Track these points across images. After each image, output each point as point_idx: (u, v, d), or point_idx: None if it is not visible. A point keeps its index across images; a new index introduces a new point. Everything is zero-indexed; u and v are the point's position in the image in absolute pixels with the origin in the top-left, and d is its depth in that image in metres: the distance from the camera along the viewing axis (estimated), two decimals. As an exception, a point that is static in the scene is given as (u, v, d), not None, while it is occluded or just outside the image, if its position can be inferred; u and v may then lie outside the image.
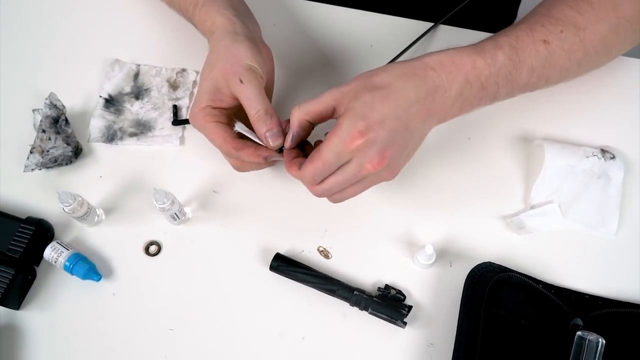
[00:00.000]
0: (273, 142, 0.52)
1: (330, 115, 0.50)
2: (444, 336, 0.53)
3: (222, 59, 0.53)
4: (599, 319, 0.52)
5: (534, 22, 0.55)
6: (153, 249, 0.59)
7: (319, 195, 0.51)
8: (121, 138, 0.65)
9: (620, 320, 0.52)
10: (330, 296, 0.55)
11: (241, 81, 0.51)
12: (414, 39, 0.68)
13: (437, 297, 0.55)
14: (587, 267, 0.56)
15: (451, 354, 0.51)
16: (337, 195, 0.51)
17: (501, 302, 0.51)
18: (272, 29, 0.69)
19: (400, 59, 0.66)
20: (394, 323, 0.52)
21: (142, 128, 0.66)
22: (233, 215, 0.60)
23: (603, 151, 0.60)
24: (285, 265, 0.55)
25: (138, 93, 0.68)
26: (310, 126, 0.51)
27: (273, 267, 0.55)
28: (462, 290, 0.54)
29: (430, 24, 0.70)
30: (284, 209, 0.60)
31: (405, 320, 0.52)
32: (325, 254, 0.58)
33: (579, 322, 0.52)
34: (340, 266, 0.57)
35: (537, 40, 0.53)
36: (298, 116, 0.50)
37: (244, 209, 0.60)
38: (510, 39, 0.53)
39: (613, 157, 0.60)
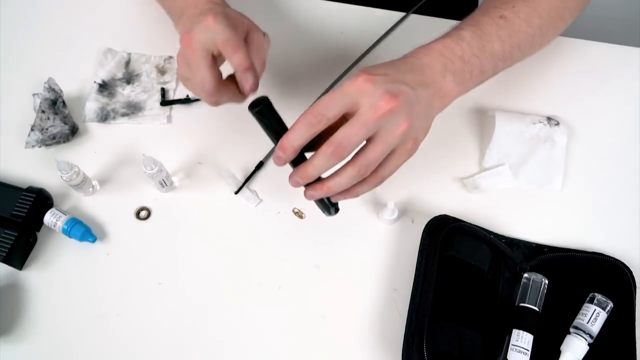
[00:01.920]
0: (281, 162, 0.50)
1: None
2: (406, 282, 0.59)
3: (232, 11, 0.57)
4: (543, 263, 0.58)
5: (487, 6, 0.61)
6: (143, 214, 0.65)
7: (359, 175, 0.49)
8: (114, 118, 0.71)
9: (562, 263, 0.58)
10: (303, 250, 0.61)
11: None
12: (387, 29, 0.75)
13: (400, 249, 0.61)
14: (535, 220, 0.63)
15: (409, 295, 0.57)
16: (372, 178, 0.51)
17: (454, 246, 0.57)
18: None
19: (376, 47, 0.73)
20: (328, 210, 0.55)
21: (133, 109, 0.72)
22: (215, 183, 0.66)
23: (549, 119, 0.67)
24: (267, 113, 0.49)
25: (129, 78, 0.74)
26: None
27: (255, 109, 0.49)
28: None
29: (399, 14, 0.77)
30: (261, 177, 0.67)
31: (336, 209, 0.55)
32: (299, 214, 0.64)
33: (526, 266, 0.58)
34: (313, 225, 0.63)
35: (494, 17, 0.59)
36: None
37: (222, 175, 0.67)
38: (468, 20, 0.59)
39: (557, 124, 0.66)
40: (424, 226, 0.61)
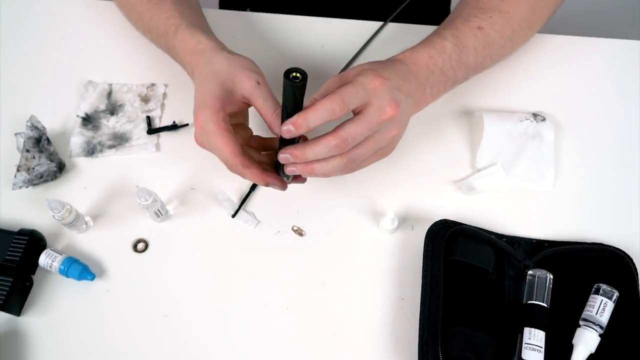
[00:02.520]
0: (289, 135, 0.51)
1: None
2: (413, 290, 0.59)
3: (227, 67, 0.56)
4: (546, 258, 0.59)
5: (467, 14, 0.64)
6: (141, 246, 0.64)
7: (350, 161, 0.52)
8: (101, 151, 0.70)
9: (563, 257, 0.59)
10: (307, 268, 0.61)
11: (258, 83, 0.54)
12: (366, 39, 0.76)
13: (403, 257, 0.61)
14: (531, 217, 0.63)
15: (417, 304, 0.57)
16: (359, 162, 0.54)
17: (457, 249, 0.57)
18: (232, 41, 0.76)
19: (359, 57, 0.74)
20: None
21: (119, 140, 0.71)
22: (211, 208, 0.66)
23: (535, 115, 0.68)
24: (304, 88, 0.48)
25: (112, 109, 0.73)
26: None
27: (296, 80, 0.47)
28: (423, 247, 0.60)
29: (376, 23, 0.78)
30: (256, 197, 0.66)
31: None
32: (299, 232, 0.64)
33: (529, 262, 0.59)
34: (314, 241, 0.63)
35: (473, 28, 0.63)
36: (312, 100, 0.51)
37: (217, 199, 0.66)
38: (451, 30, 0.62)
39: (544, 119, 0.67)
40: (424, 232, 0.61)
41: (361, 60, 0.76)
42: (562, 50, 0.75)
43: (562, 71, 0.73)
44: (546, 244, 0.61)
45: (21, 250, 0.60)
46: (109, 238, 0.64)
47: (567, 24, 0.79)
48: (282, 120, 0.50)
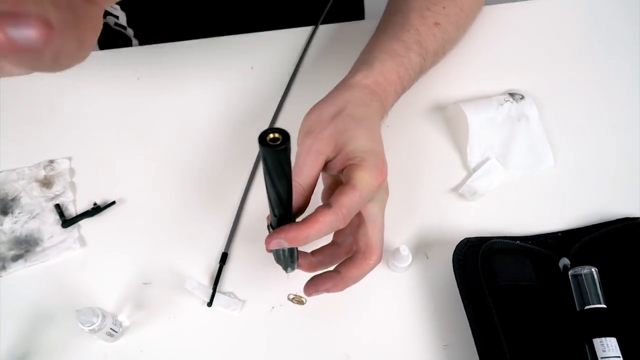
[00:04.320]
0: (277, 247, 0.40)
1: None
2: (454, 332, 0.49)
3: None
4: (581, 250, 0.52)
5: (420, 7, 0.56)
6: (98, 380, 0.47)
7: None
8: (3, 267, 0.52)
9: (599, 243, 0.52)
10: (322, 342, 0.48)
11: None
12: (296, 48, 0.65)
13: (429, 295, 0.51)
14: (545, 206, 0.56)
15: (468, 349, 0.47)
16: None
17: (498, 273, 0.48)
18: (151, 79, 0.60)
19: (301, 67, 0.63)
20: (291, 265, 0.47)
21: (25, 245, 0.53)
22: (177, 300, 0.51)
23: (511, 94, 0.61)
24: (288, 153, 0.33)
25: (4, 207, 0.55)
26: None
27: (276, 145, 0.32)
28: (450, 277, 0.50)
29: (305, 30, 0.67)
30: (231, 272, 0.52)
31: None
32: (298, 300, 0.51)
33: (567, 261, 0.51)
34: (319, 307, 0.51)
35: (430, 25, 0.55)
36: (303, 192, 0.42)
37: (186, 289, 0.51)
38: (412, 34, 0.54)
39: (522, 97, 0.61)
40: (443, 258, 0.52)
41: (303, 71, 0.64)
42: (512, 18, 0.68)
43: (518, 41, 0.66)
44: (573, 234, 0.54)
45: None
46: (49, 384, 0.47)
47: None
48: (271, 204, 0.37)
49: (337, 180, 0.45)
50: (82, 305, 0.45)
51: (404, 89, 0.53)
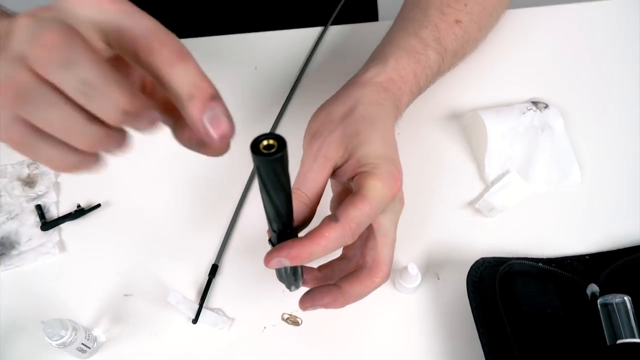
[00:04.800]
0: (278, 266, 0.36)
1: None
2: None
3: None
4: (611, 276, 0.46)
5: (440, 3, 0.52)
6: (66, 402, 0.43)
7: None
8: (-25, 271, 0.48)
9: (631, 269, 0.47)
10: (319, 370, 0.43)
11: None
12: (303, 49, 0.61)
13: (440, 319, 0.46)
14: (570, 226, 0.51)
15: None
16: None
17: (517, 298, 0.43)
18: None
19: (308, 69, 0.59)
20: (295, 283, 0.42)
21: (1, 248, 0.49)
22: (160, 315, 0.46)
23: (534, 103, 0.56)
24: (286, 162, 0.29)
25: (-18, 206, 0.51)
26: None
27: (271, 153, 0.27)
28: (464, 301, 0.45)
29: (314, 30, 0.63)
30: (220, 286, 0.48)
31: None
32: (293, 321, 0.46)
33: (595, 288, 0.46)
34: (317, 329, 0.46)
35: (450, 23, 0.51)
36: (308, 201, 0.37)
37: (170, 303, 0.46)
38: (431, 31, 0.50)
39: (546, 106, 0.56)
40: (454, 278, 0.47)
41: (310, 72, 0.60)
42: (537, 23, 0.63)
43: (543, 47, 0.62)
44: (602, 258, 0.48)
45: None
46: (13, 403, 0.42)
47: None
48: (269, 218, 0.33)
49: (348, 188, 0.41)
50: (56, 316, 0.41)
51: (420, 90, 0.48)
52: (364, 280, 0.39)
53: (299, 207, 0.36)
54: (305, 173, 0.37)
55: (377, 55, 0.47)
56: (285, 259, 0.34)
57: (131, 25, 0.25)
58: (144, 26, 0.25)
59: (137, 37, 0.25)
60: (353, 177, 0.38)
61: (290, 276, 0.39)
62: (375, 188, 0.36)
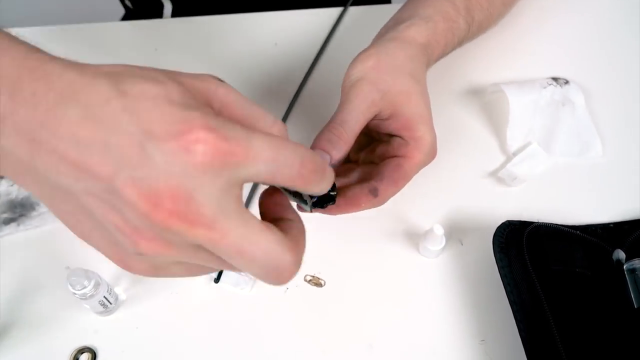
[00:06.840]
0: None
1: None
2: (495, 325, 0.43)
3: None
4: (636, 243, 0.46)
5: None
6: (85, 357, 0.42)
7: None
8: (-6, 230, 0.47)
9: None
10: (342, 330, 0.42)
11: None
12: (322, 28, 0.61)
13: (464, 283, 0.45)
14: (591, 196, 0.51)
15: (509, 344, 0.41)
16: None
17: (546, 256, 0.42)
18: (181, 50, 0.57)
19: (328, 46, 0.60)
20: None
21: (21, 209, 0.49)
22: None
23: (555, 79, 0.56)
24: None
25: (2, 169, 0.51)
26: None
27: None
28: (487, 265, 0.44)
29: (333, 10, 0.64)
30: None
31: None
32: (316, 282, 0.45)
33: (621, 254, 0.45)
34: (339, 290, 0.45)
35: None
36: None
37: (194, 265, 0.46)
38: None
39: (567, 82, 0.56)
40: (478, 244, 0.46)
41: (329, 52, 0.60)
42: (558, 1, 0.64)
43: (565, 25, 0.62)
44: (626, 226, 0.48)
45: None
46: (34, 356, 0.42)
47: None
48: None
49: (370, 136, 0.42)
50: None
51: (441, 57, 0.48)
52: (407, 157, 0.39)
53: (338, 144, 0.35)
54: (350, 111, 0.37)
55: (415, 13, 0.46)
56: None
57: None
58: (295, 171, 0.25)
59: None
60: (392, 136, 0.39)
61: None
62: (418, 165, 0.38)
